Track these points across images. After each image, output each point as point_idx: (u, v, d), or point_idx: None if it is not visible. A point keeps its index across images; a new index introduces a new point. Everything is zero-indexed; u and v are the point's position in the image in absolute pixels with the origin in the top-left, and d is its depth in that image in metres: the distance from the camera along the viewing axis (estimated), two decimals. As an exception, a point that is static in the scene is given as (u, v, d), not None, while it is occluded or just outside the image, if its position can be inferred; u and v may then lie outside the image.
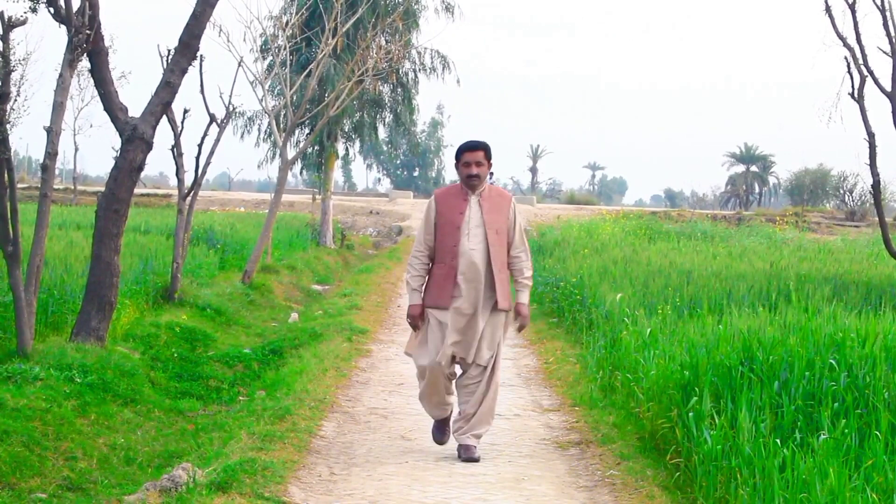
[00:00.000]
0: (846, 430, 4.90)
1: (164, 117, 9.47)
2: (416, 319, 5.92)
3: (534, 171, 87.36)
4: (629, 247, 17.35)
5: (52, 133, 7.58)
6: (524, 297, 6.00)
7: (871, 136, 10.91)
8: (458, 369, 6.02)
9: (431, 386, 5.91)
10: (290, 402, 6.96)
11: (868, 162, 10.97)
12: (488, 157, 5.91)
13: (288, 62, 16.70)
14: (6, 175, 7.34)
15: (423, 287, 5.93)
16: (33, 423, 5.83)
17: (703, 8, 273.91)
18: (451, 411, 6.09)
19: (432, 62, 24.88)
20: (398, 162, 71.16)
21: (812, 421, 5.25)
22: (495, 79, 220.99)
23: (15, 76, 7.67)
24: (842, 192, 48.08)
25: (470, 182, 5.87)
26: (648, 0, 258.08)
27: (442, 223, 5.89)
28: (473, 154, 5.86)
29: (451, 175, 68.88)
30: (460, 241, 5.79)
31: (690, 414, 5.49)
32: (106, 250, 8.09)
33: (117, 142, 8.40)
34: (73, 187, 34.74)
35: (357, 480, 5.48)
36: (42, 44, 10.96)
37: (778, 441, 4.85)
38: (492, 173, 6.14)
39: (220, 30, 15.00)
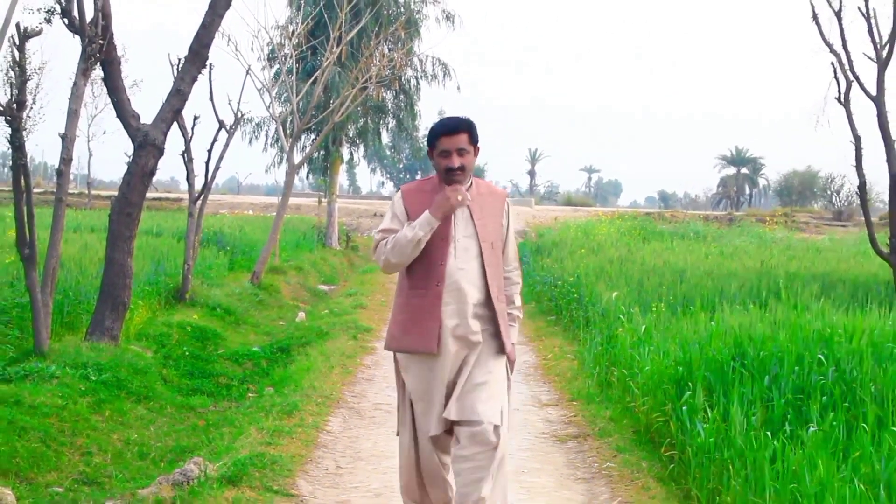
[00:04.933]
0: (834, 423, 4.97)
1: (175, 124, 9.57)
2: (450, 191, 3.95)
3: (532, 174, 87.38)
4: (624, 247, 17.46)
5: (67, 139, 7.63)
6: (514, 335, 4.26)
7: (857, 138, 11.02)
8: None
9: (430, 472, 4.13)
10: (297, 399, 7.07)
11: (854, 164, 11.07)
12: (473, 140, 4.00)
13: (294, 70, 16.86)
14: (23, 180, 7.38)
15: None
16: (50, 419, 5.87)
17: (701, 12, 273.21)
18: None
19: (433, 69, 25.08)
20: (401, 166, 71.07)
21: (801, 414, 5.32)
22: (495, 84, 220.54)
23: (31, 85, 7.75)
24: (829, 192, 48.19)
25: (451, 178, 3.98)
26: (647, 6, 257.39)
27: None
28: (453, 139, 3.94)
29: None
30: (448, 260, 4.01)
31: (684, 408, 5.59)
32: (119, 252, 8.17)
33: (130, 148, 8.48)
34: (87, 192, 34.86)
35: (363, 474, 5.59)
36: (57, 54, 11.08)
37: (768, 434, 4.91)
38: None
39: (229, 39, 15.24)
